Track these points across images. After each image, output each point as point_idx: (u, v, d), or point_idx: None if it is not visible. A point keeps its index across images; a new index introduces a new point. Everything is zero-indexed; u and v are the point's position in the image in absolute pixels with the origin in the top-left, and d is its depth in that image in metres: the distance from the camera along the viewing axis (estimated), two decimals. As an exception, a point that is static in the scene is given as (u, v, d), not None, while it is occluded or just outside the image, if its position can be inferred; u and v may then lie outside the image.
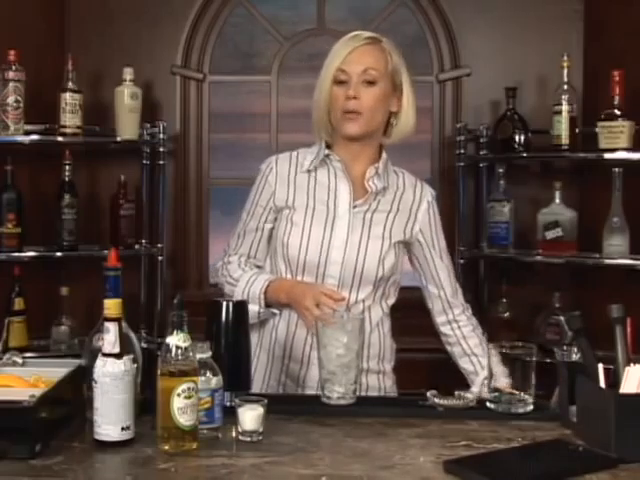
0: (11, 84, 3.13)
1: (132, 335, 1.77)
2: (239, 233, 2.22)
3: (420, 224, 2.19)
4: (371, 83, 2.09)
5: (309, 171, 2.16)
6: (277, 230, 2.15)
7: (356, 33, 2.14)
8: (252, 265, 2.19)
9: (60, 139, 3.25)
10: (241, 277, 2.15)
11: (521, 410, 1.85)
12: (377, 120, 2.13)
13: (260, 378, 2.15)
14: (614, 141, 3.09)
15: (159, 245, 3.46)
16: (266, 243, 2.20)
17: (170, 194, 3.57)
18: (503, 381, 2.03)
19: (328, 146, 2.18)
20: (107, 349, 1.62)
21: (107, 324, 1.62)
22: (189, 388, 1.59)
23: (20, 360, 1.90)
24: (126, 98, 3.31)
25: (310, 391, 2.09)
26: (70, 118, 3.23)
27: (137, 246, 3.44)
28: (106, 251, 1.80)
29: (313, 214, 2.12)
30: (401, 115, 2.16)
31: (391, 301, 2.20)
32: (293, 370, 2.13)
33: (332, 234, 2.10)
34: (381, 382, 2.18)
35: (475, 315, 2.30)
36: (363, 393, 2.10)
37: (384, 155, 2.19)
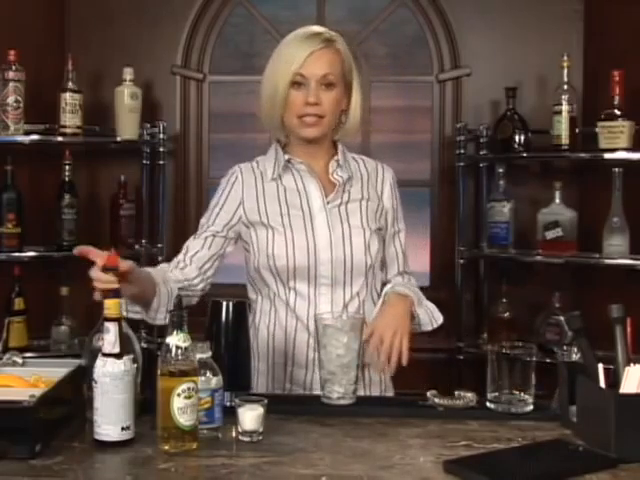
0: (11, 84, 3.13)
1: (132, 335, 1.77)
2: (192, 237, 2.15)
3: (385, 209, 2.19)
4: (330, 86, 2.07)
5: (274, 179, 2.13)
6: (258, 244, 2.09)
7: (311, 33, 2.09)
8: (179, 270, 2.09)
9: (60, 139, 3.26)
10: None
11: (521, 410, 1.85)
12: (334, 121, 2.12)
13: (263, 387, 2.09)
14: (614, 141, 3.09)
15: (159, 245, 3.46)
16: (215, 250, 2.12)
17: (170, 194, 3.57)
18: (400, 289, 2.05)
19: (283, 147, 2.16)
20: (107, 349, 1.62)
21: (107, 324, 1.62)
22: (189, 388, 1.59)
23: (20, 360, 1.89)
24: (126, 98, 3.31)
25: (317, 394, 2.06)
26: (70, 118, 3.24)
27: (137, 246, 3.44)
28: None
29: (290, 221, 2.09)
30: (350, 113, 2.14)
31: (378, 286, 2.17)
32: (298, 376, 2.10)
33: (314, 235, 2.08)
34: (382, 376, 2.15)
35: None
36: (366, 388, 2.10)
37: (340, 146, 2.18)
